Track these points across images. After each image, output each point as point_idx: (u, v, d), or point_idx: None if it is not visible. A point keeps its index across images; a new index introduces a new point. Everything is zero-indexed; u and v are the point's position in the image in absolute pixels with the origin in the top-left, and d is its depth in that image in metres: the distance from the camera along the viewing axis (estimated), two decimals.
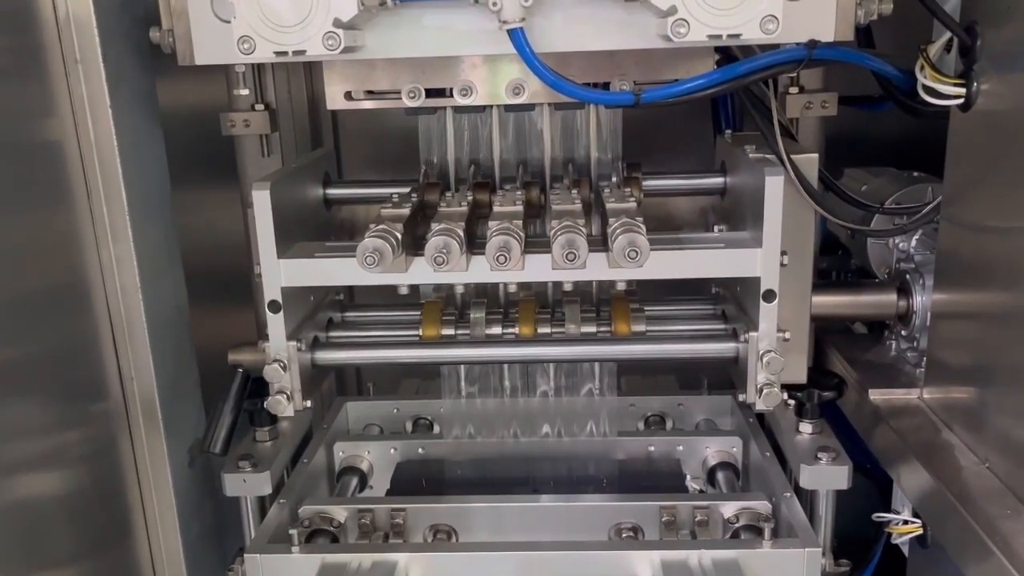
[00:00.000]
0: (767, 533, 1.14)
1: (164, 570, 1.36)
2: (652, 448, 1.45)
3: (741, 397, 1.14)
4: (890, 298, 1.34)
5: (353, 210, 1.42)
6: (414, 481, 1.41)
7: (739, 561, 1.12)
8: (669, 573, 1.10)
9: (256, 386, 1.33)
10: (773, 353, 1.09)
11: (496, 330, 1.27)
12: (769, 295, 1.09)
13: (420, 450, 1.47)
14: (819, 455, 1.24)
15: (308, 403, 1.16)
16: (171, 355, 1.30)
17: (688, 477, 1.43)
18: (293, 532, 1.16)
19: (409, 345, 1.25)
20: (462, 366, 1.36)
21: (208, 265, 1.54)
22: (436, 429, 1.55)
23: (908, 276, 1.32)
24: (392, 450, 1.47)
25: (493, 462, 1.44)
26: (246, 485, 1.29)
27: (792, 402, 1.37)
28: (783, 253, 1.08)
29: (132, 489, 1.32)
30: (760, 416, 1.49)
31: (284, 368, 1.12)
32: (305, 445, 1.45)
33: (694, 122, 1.65)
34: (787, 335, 1.11)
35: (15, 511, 1.08)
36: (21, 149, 1.10)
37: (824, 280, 1.35)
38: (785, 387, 1.31)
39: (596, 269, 1.06)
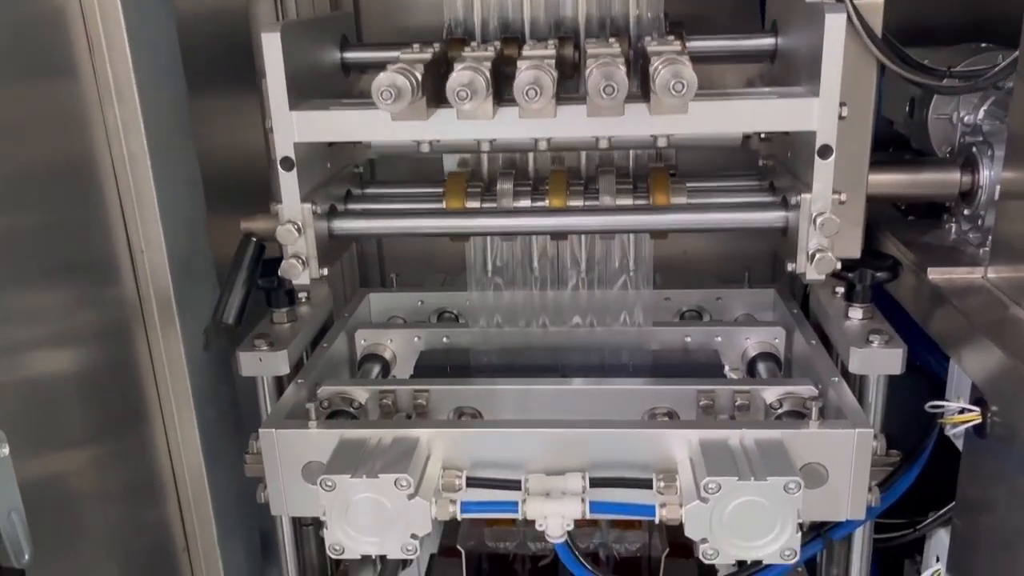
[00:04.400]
0: (814, 413, 1.07)
1: (180, 454, 1.32)
2: (689, 339, 1.38)
3: (790, 267, 1.05)
4: (953, 175, 1.23)
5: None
6: (438, 370, 1.34)
7: (784, 442, 1.04)
8: (708, 452, 1.02)
9: (272, 265, 1.27)
10: (828, 214, 1.00)
11: (525, 203, 1.18)
12: (825, 151, 0.99)
13: (445, 339, 1.40)
14: (871, 338, 1.15)
15: (325, 271, 1.09)
16: (183, 229, 1.24)
17: (726, 368, 1.36)
18: (310, 406, 1.10)
19: (432, 215, 1.16)
20: (488, 256, 1.29)
21: (227, 176, 1.46)
22: (462, 322, 1.48)
23: (975, 149, 1.21)
24: (416, 338, 1.41)
25: (520, 351, 1.37)
26: (262, 364, 1.23)
27: (840, 290, 1.29)
28: (842, 104, 0.98)
29: (146, 371, 1.27)
30: (805, 308, 1.41)
31: (298, 231, 1.05)
32: (325, 334, 1.39)
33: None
34: (843, 197, 1.01)
35: (26, 389, 1.03)
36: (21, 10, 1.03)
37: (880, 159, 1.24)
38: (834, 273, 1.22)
39: (635, 120, 0.96)
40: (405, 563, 1.55)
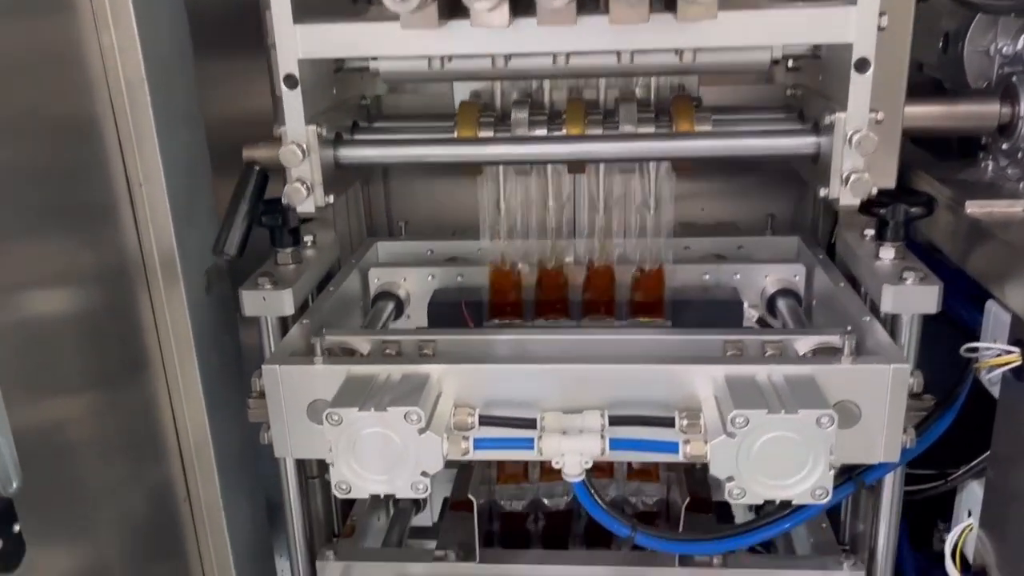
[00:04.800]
0: (847, 348, 1.01)
1: (182, 403, 1.27)
2: (707, 276, 1.32)
3: (823, 192, 0.99)
4: (992, 107, 1.17)
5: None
6: (451, 307, 1.29)
7: (816, 378, 0.98)
8: (735, 387, 0.97)
9: (276, 204, 1.22)
10: (865, 131, 0.94)
11: (541, 132, 1.13)
12: (862, 64, 0.93)
13: (459, 278, 1.35)
14: (904, 275, 1.09)
15: (331, 199, 1.04)
16: (183, 162, 1.18)
17: (746, 305, 1.30)
18: (316, 341, 1.05)
19: (443, 142, 1.11)
20: (502, 197, 1.23)
21: (233, 140, 1.41)
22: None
23: (1015, 79, 1.15)
24: (430, 277, 1.36)
25: (535, 289, 1.32)
26: (265, 304, 1.18)
27: (870, 232, 1.23)
28: (881, 14, 0.92)
29: (146, 316, 1.22)
30: (831, 253, 1.35)
31: (303, 153, 1.00)
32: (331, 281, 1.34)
33: None
34: (879, 116, 0.95)
35: (20, 332, 0.98)
36: None
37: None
38: (864, 208, 1.17)
39: (661, 30, 0.90)
40: (418, 506, 1.52)
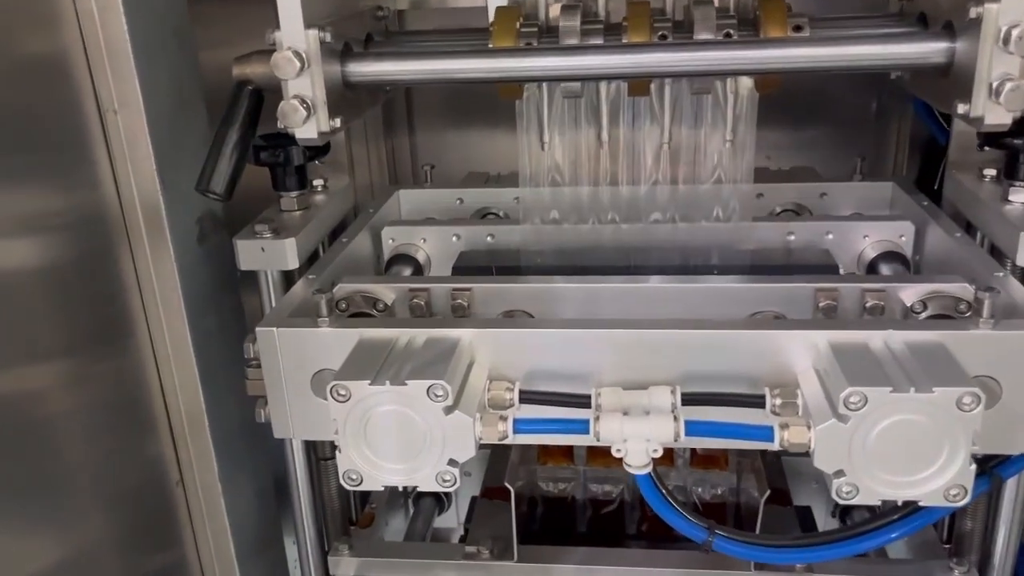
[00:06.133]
0: (986, 310, 0.80)
1: (171, 372, 1.10)
2: (793, 236, 1.11)
3: (962, 109, 0.78)
4: None
5: None
6: (480, 273, 1.10)
7: (945, 344, 0.78)
8: (844, 359, 0.76)
9: (279, 139, 1.03)
10: None
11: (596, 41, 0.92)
12: None
13: (489, 238, 1.15)
14: None
15: (337, 123, 0.84)
16: (167, 79, 0.99)
17: (841, 271, 1.09)
18: (321, 298, 0.86)
19: (475, 54, 0.90)
20: (545, 134, 1.03)
21: None
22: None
23: None
24: (454, 237, 1.15)
25: (584, 253, 1.11)
26: (265, 255, 0.99)
27: (990, 173, 1.02)
28: None
29: (126, 272, 1.04)
30: (936, 200, 1.13)
31: (302, 64, 0.80)
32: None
33: None
34: None
35: None
36: None
37: None
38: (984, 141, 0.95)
39: None
40: (441, 505, 1.33)
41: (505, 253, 1.13)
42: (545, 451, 1.24)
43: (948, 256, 1.00)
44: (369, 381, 0.77)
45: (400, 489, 1.14)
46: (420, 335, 0.84)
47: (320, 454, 1.20)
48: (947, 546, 1.11)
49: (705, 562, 1.05)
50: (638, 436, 0.77)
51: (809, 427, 0.75)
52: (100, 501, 1.01)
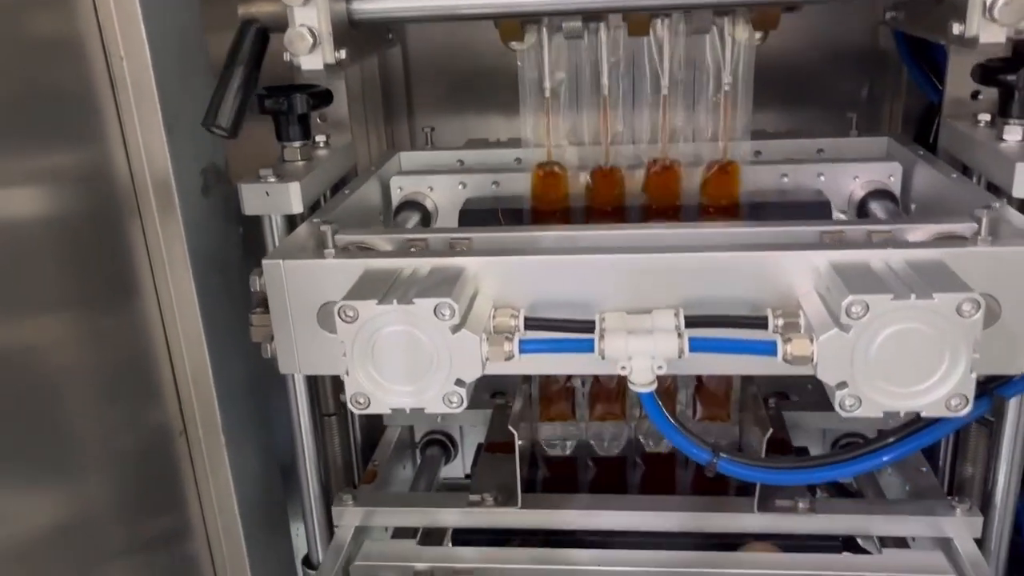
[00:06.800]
0: (984, 227, 0.81)
1: (176, 323, 1.10)
2: (786, 178, 1.13)
3: (957, 30, 0.79)
4: None
5: None
6: (486, 217, 1.11)
7: (945, 261, 0.79)
8: (846, 274, 0.77)
9: (283, 91, 1.04)
10: None
11: None
12: None
13: (494, 185, 1.16)
14: None
15: (343, 54, 0.86)
16: (170, 25, 1.00)
17: (835, 213, 1.11)
18: (327, 228, 0.87)
19: None
20: (545, 77, 1.04)
21: None
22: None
23: None
24: (460, 185, 1.17)
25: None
26: (269, 200, 1.00)
27: (985, 118, 1.04)
28: None
29: (132, 226, 1.05)
30: (930, 149, 1.15)
31: None
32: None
33: None
34: None
35: None
36: None
37: None
38: (983, 71, 0.97)
39: None
40: (448, 455, 1.34)
41: (510, 199, 1.15)
42: (546, 410, 1.24)
43: (942, 196, 1.02)
44: (376, 301, 0.77)
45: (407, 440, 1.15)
46: (425, 264, 0.85)
47: (325, 410, 1.21)
48: (949, 497, 1.12)
49: (707, 505, 1.05)
50: (643, 353, 0.77)
51: (812, 340, 0.75)
52: (102, 452, 1.01)
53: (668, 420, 0.82)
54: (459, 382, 0.79)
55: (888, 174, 1.12)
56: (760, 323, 0.80)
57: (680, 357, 0.77)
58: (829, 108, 1.44)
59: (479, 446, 1.32)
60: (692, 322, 0.80)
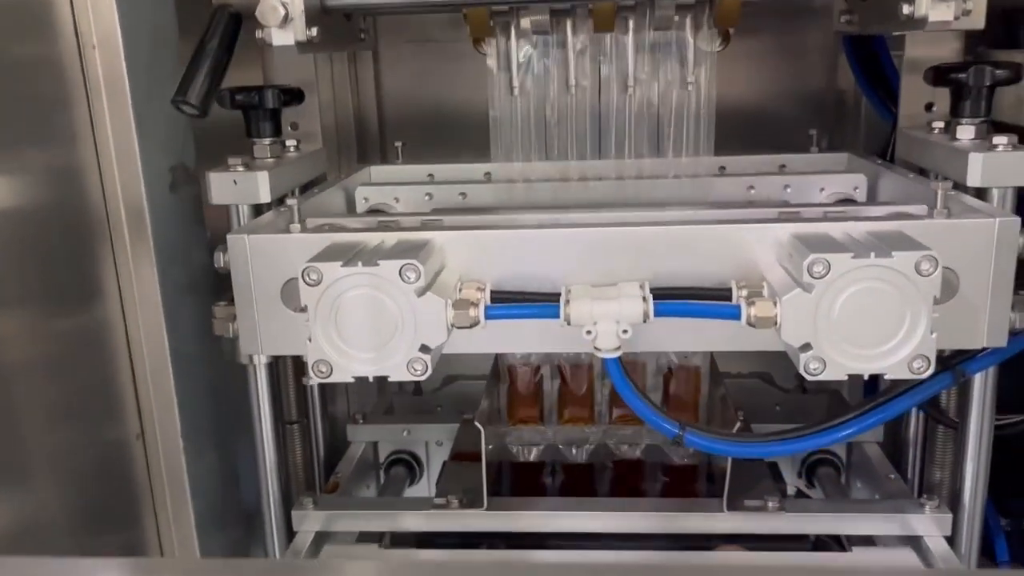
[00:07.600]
0: (939, 200, 0.83)
1: (138, 325, 1.08)
2: (753, 190, 1.15)
3: (907, 10, 0.83)
4: None
5: None
6: None
7: (905, 231, 0.80)
8: (806, 239, 0.78)
9: (254, 89, 1.05)
10: None
11: None
12: None
13: (460, 196, 1.17)
14: (995, 141, 0.92)
15: (314, 32, 0.87)
16: (144, 15, 1.01)
17: None
18: (293, 203, 0.87)
19: None
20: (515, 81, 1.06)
21: None
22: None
23: None
24: (426, 196, 1.18)
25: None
26: (236, 188, 1.00)
27: (939, 125, 1.07)
28: None
29: (96, 209, 1.04)
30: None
31: None
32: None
33: None
34: None
35: None
36: None
37: None
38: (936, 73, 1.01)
39: None
40: (413, 474, 1.31)
41: (477, 212, 1.16)
42: (515, 412, 1.22)
43: (903, 199, 1.04)
44: (341, 263, 0.77)
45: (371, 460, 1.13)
46: (391, 237, 0.85)
47: (287, 417, 1.18)
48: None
49: (676, 506, 1.04)
50: (608, 316, 0.77)
51: (775, 303, 0.76)
52: (54, 452, 0.97)
53: (633, 391, 0.81)
54: (424, 348, 0.78)
55: (853, 185, 1.14)
56: (724, 295, 0.81)
57: (645, 321, 0.77)
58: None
59: (444, 464, 1.29)
60: (658, 295, 0.80)
